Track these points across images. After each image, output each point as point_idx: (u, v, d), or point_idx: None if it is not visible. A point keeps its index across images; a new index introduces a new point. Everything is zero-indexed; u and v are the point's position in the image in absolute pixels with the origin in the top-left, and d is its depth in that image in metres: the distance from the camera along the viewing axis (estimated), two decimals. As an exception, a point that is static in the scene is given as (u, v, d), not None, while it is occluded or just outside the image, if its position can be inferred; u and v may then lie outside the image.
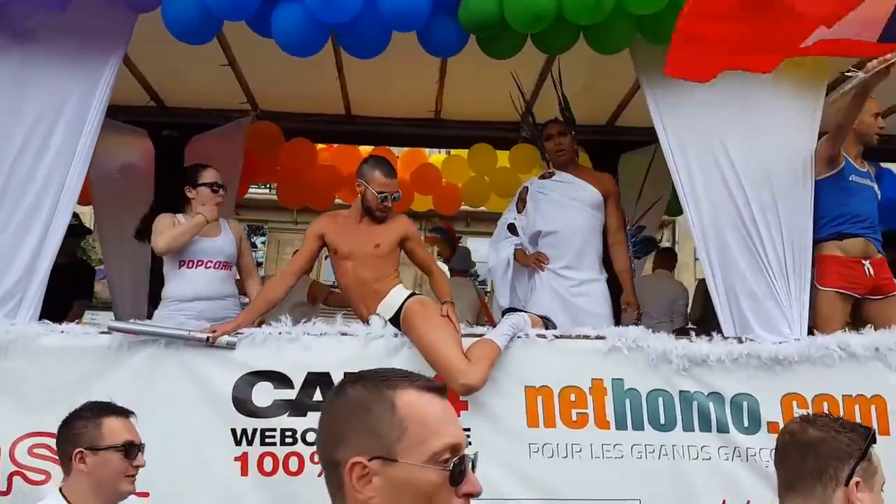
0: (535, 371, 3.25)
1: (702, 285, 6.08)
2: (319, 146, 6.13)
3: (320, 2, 3.11)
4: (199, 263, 3.68)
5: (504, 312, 3.52)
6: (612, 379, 3.25)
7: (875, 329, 3.41)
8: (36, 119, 3.36)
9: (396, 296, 3.32)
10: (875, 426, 3.24)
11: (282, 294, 3.45)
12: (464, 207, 7.03)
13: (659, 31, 3.35)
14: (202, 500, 3.12)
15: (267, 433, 3.18)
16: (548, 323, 3.47)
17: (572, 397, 3.23)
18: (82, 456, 2.15)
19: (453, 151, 6.81)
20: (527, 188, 4.20)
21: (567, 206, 3.98)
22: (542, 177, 4.18)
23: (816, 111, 3.60)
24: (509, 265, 4.04)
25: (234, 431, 3.16)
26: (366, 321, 3.35)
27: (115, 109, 3.99)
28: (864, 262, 3.65)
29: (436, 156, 7.23)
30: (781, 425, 3.21)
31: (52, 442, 3.07)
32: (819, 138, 3.63)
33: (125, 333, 3.17)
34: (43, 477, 3.03)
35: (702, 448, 3.24)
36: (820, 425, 1.68)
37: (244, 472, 3.17)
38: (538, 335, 3.31)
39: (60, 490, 2.19)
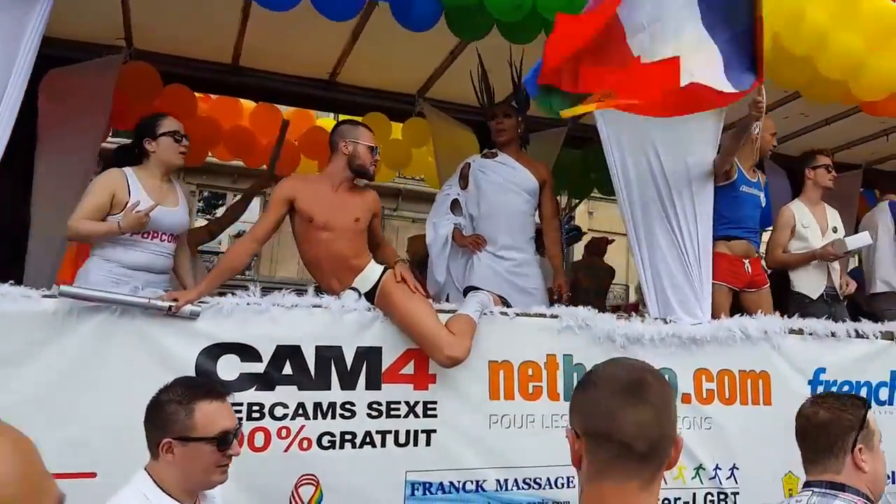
0: (497, 347, 3.39)
1: (573, 267, 6.64)
2: (198, 95, 5.48)
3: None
4: (155, 235, 3.34)
5: (465, 291, 3.60)
6: (564, 354, 3.49)
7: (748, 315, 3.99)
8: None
9: (374, 270, 3.27)
10: (761, 397, 3.89)
11: (245, 261, 3.24)
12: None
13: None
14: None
15: (232, 408, 3.00)
16: (505, 303, 3.62)
17: (530, 371, 3.42)
18: (170, 446, 1.87)
19: (343, 118, 6.58)
20: (469, 165, 4.25)
21: (505, 189, 4.11)
22: (485, 156, 4.26)
23: (718, 126, 4.07)
24: (447, 243, 4.08)
25: (194, 406, 2.94)
26: (337, 295, 3.26)
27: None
28: (744, 260, 4.29)
29: (324, 119, 6.78)
30: (693, 397, 3.75)
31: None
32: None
33: (75, 299, 2.79)
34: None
35: (631, 417, 3.62)
36: (826, 407, 2.10)
37: (203, 449, 2.98)
38: (501, 313, 3.46)
39: (146, 470, 1.90)
